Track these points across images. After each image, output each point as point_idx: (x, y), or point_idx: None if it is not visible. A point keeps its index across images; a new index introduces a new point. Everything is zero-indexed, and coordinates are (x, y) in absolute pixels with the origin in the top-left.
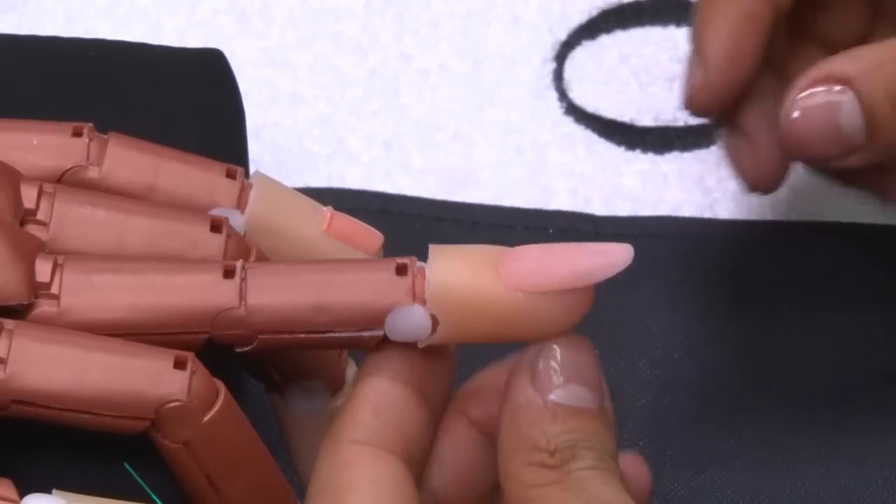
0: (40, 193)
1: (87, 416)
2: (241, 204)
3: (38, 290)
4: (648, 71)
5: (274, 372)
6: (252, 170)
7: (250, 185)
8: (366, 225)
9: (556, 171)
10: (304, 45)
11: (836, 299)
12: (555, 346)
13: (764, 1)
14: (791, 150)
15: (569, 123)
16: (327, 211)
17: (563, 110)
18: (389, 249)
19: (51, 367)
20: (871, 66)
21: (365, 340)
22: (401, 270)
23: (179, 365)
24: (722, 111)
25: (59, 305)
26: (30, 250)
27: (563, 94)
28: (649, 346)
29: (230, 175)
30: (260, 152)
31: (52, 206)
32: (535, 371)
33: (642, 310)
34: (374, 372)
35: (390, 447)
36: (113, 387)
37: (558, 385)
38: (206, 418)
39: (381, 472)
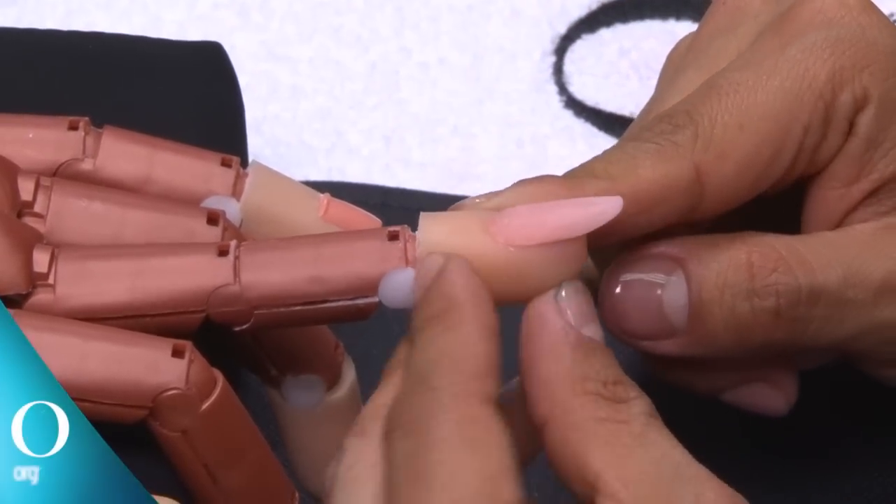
0: (37, 186)
1: (86, 404)
2: (236, 192)
3: (36, 279)
4: (648, 64)
5: (271, 366)
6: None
7: (246, 174)
8: (362, 210)
9: (555, 165)
10: (304, 38)
11: None
12: (579, 283)
13: None
14: (608, 323)
15: (568, 117)
16: (324, 198)
17: (562, 104)
18: None
19: (49, 356)
20: (705, 250)
21: (360, 308)
22: (393, 237)
23: (177, 353)
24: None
25: (55, 294)
26: (27, 241)
27: (562, 88)
28: None
29: (225, 164)
30: (260, 146)
31: (49, 199)
32: (563, 306)
33: None
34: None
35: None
36: (111, 375)
37: (591, 320)
38: (203, 406)
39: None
